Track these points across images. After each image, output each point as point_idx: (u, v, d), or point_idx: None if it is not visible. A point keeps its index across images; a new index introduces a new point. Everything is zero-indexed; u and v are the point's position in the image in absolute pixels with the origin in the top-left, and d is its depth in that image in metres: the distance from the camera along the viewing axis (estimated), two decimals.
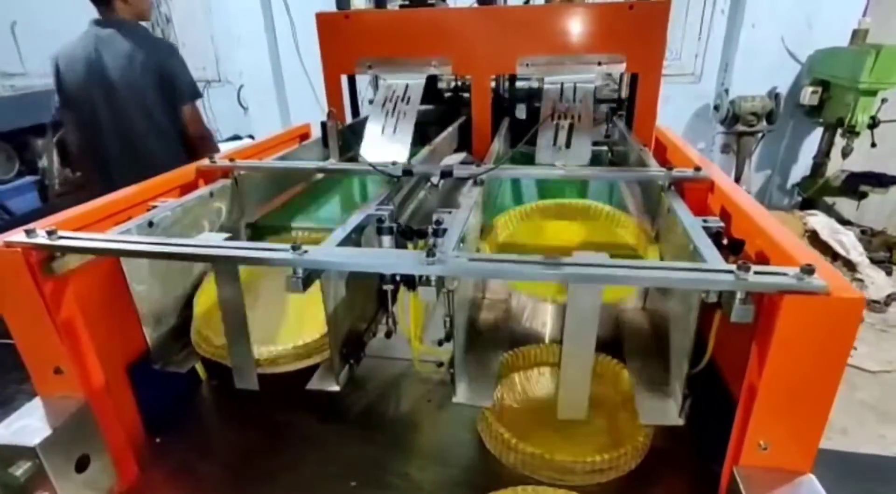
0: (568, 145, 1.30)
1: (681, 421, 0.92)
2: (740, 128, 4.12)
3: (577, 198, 1.42)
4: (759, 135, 4.20)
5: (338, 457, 1.14)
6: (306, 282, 0.78)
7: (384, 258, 0.82)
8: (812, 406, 0.71)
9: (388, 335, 1.16)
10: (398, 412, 1.27)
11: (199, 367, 1.33)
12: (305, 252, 0.78)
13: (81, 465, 0.93)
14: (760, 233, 0.85)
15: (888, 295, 3.58)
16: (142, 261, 1.03)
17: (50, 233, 0.84)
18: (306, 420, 1.25)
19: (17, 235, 0.84)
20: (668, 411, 0.93)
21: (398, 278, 1.10)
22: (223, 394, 1.33)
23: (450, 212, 1.01)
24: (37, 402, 0.94)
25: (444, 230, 0.94)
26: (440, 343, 1.32)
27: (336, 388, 1.01)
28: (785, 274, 0.67)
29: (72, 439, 0.91)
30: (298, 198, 1.58)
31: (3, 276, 0.85)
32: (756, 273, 0.68)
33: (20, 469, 0.85)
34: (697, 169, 1.14)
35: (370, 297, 1.16)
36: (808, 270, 0.66)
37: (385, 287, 1.10)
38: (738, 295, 0.68)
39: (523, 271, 0.74)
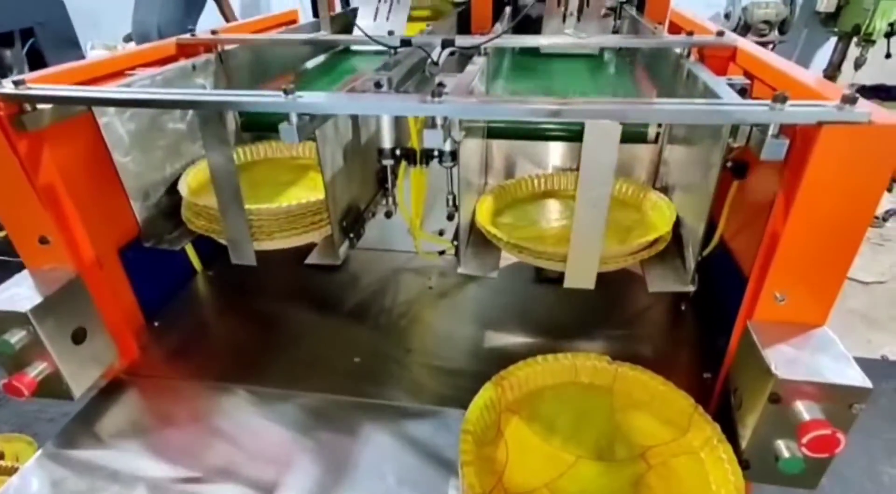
0: (579, 18, 1.20)
1: (692, 287, 0.90)
2: (751, 38, 3.92)
3: (586, 85, 1.33)
4: (770, 46, 4.01)
5: (339, 339, 1.13)
6: (301, 131, 0.72)
7: (385, 101, 0.75)
8: (836, 252, 0.68)
9: (388, 215, 1.12)
10: (399, 299, 1.26)
11: (194, 258, 1.30)
12: (300, 96, 0.71)
13: (78, 337, 0.91)
14: (794, 83, 0.78)
15: (886, 211, 3.57)
16: (122, 132, 0.96)
17: (17, 83, 0.76)
18: (305, 309, 1.23)
19: None
20: (679, 278, 0.91)
21: (398, 152, 1.05)
22: (219, 285, 1.31)
23: (454, 76, 0.94)
24: (25, 274, 0.90)
25: (448, 93, 0.87)
26: (441, 233, 1.29)
27: (337, 262, 0.98)
28: (823, 106, 0.62)
29: (65, 309, 0.88)
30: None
31: None
32: (792, 105, 0.62)
33: (14, 337, 0.83)
34: (720, 34, 1.06)
35: (369, 176, 1.10)
36: (851, 99, 0.60)
37: (384, 162, 1.05)
38: (771, 131, 0.63)
39: (535, 110, 0.69)
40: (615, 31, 1.91)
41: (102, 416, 0.95)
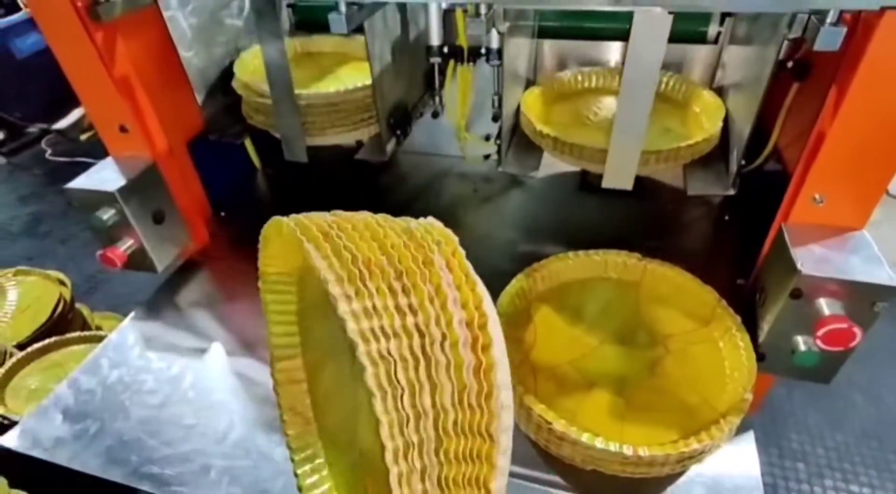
0: None
1: (732, 191, 0.89)
2: None
3: None
4: None
5: None
6: (350, 20, 0.75)
7: None
8: (883, 153, 0.67)
9: (435, 115, 1.15)
10: (443, 201, 1.31)
11: (254, 156, 1.38)
12: None
13: (157, 217, 1.02)
14: None
15: None
16: (185, 26, 1.01)
17: None
18: (354, 207, 1.29)
19: None
20: (720, 181, 0.91)
21: (446, 50, 1.05)
22: (277, 182, 1.40)
23: None
24: (110, 160, 1.01)
25: None
26: (488, 137, 1.31)
27: (384, 158, 1.03)
28: None
29: (145, 192, 0.99)
30: None
31: (56, 23, 0.85)
32: None
33: (106, 214, 0.95)
34: None
35: (417, 74, 1.12)
36: None
37: (432, 59, 1.06)
38: (830, 18, 0.60)
39: None
40: None
41: (181, 289, 1.09)
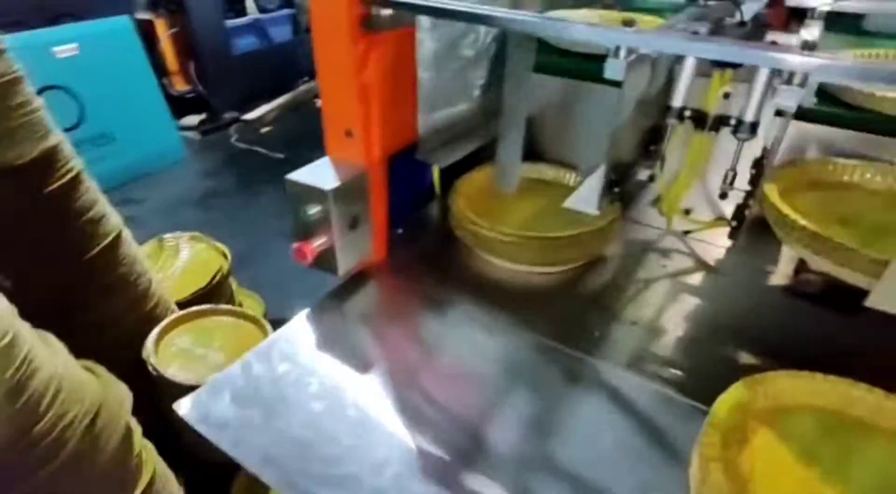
0: None
1: None
2: None
3: None
4: None
5: (562, 288, 1.13)
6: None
7: (746, 47, 0.66)
8: None
9: (652, 178, 1.05)
10: (629, 271, 1.19)
11: (437, 183, 1.39)
12: (639, 30, 0.67)
13: (353, 223, 1.03)
14: None
15: None
16: (428, 49, 1.03)
17: None
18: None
19: None
20: None
21: (687, 113, 0.96)
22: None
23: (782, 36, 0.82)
24: (327, 160, 1.04)
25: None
26: (688, 212, 1.19)
27: (595, 212, 0.95)
28: None
29: (351, 196, 1.00)
30: None
31: (329, 26, 0.90)
32: None
33: (314, 209, 0.97)
34: None
35: (639, 133, 1.04)
36: None
37: (669, 120, 0.97)
38: None
39: None
40: None
41: (349, 298, 1.08)
